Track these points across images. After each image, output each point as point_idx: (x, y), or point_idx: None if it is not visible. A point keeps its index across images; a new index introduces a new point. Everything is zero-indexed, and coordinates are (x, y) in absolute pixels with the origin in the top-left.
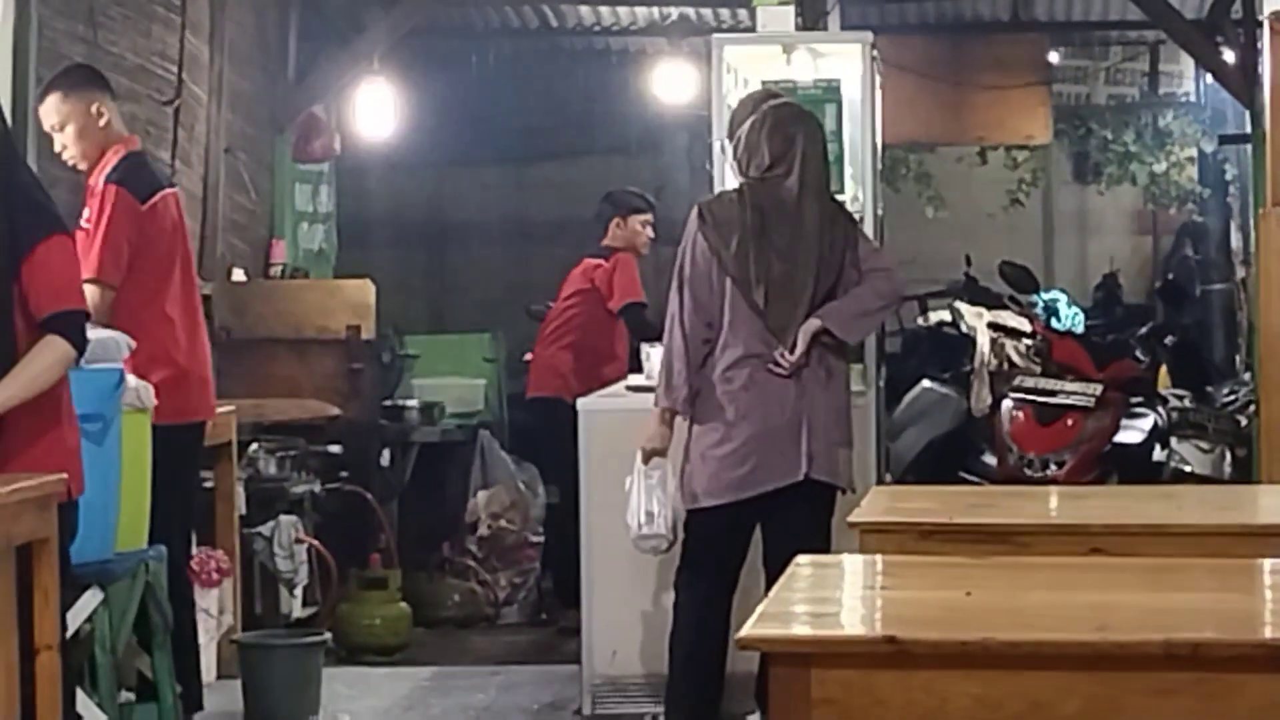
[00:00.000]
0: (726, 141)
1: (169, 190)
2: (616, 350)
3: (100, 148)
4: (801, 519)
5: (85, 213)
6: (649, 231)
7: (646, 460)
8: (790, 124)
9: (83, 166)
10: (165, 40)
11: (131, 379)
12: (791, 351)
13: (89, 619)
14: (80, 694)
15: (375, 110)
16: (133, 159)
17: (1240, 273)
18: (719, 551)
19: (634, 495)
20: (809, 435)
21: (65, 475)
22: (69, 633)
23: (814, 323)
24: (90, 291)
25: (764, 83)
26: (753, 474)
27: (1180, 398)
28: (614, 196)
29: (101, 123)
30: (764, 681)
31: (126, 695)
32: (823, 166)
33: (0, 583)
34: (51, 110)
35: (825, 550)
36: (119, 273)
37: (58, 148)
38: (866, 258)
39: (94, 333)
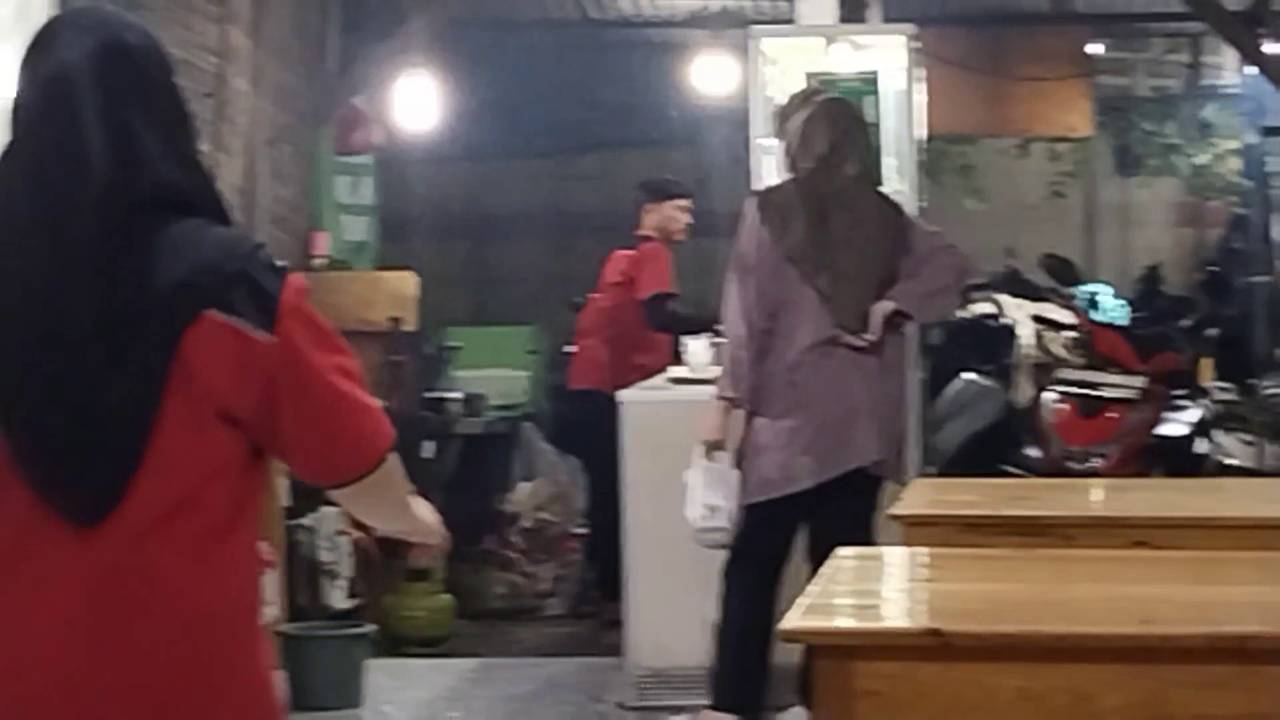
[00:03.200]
0: (777, 139)
1: None
2: (656, 341)
3: None
4: (849, 510)
5: None
6: (685, 217)
7: (708, 453)
8: (842, 116)
9: None
10: (206, 32)
11: None
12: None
13: None
14: None
15: (416, 102)
16: None
17: None
18: (769, 543)
19: (694, 488)
20: (869, 425)
21: None
22: None
23: (887, 304)
24: None
25: (807, 75)
26: (817, 463)
27: (1223, 390)
28: (647, 183)
29: None
30: (807, 674)
31: None
32: (872, 157)
33: None
34: None
35: (870, 542)
36: None
37: None
38: (925, 240)
39: None
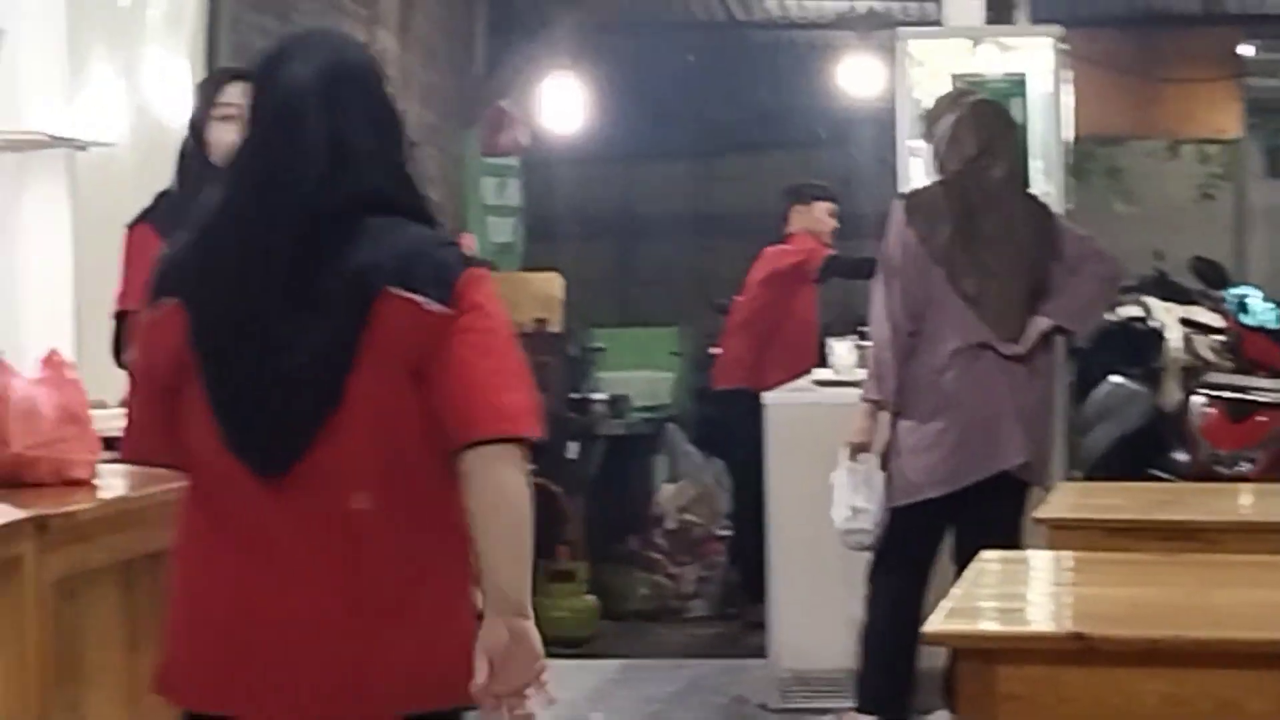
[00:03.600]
0: (924, 141)
1: None
2: (800, 342)
3: None
4: (998, 514)
5: None
6: (832, 221)
7: (853, 455)
8: (991, 117)
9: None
10: (354, 34)
11: None
12: (1015, 343)
13: None
14: None
15: (562, 104)
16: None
17: None
18: (915, 546)
19: (840, 490)
20: (1015, 429)
21: None
22: None
23: (1044, 321)
24: None
25: (953, 77)
26: (962, 466)
27: None
28: (795, 186)
29: None
30: (950, 677)
31: None
32: (1021, 160)
33: None
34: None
35: (1017, 546)
36: None
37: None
38: (1075, 244)
39: None
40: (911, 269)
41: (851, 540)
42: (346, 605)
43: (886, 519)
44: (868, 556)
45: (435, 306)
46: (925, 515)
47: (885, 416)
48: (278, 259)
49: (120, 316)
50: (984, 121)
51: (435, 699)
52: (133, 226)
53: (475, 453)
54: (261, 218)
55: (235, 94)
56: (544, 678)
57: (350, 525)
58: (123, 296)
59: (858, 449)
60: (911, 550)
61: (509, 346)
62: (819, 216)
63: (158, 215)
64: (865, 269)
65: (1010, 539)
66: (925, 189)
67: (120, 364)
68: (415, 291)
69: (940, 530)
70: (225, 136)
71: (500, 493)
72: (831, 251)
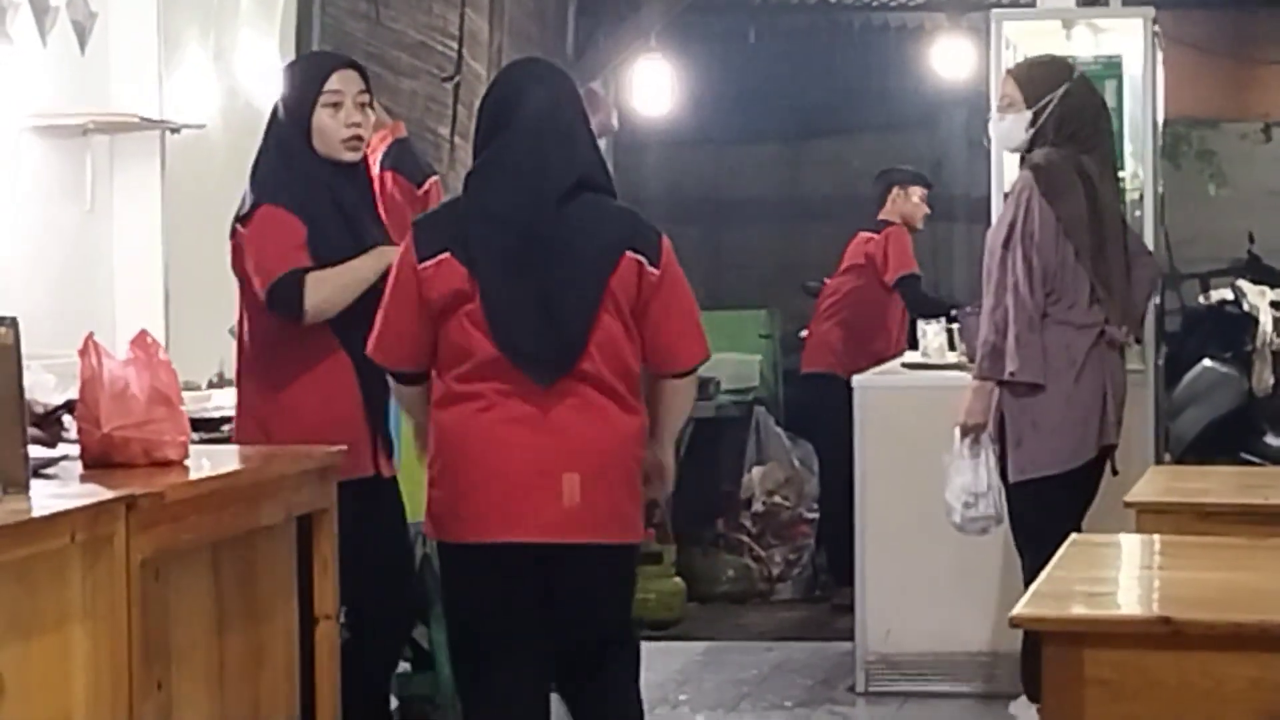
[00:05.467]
0: (1022, 107)
1: (435, 177)
2: (890, 325)
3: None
4: (1096, 490)
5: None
6: (925, 207)
7: (965, 436)
8: (1096, 92)
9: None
10: (446, 17)
11: None
12: (1119, 327)
13: None
14: None
15: (652, 87)
16: (402, 144)
17: None
18: (1067, 515)
19: (956, 474)
20: (1117, 411)
21: (345, 447)
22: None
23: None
24: None
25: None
26: (1094, 438)
27: None
28: (892, 171)
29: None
30: (1031, 662)
31: (403, 666)
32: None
33: (281, 553)
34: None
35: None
36: None
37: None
38: (1133, 238)
39: None
40: (1049, 245)
41: (975, 527)
42: (580, 458)
43: (1023, 493)
44: (967, 539)
45: (651, 269)
46: (1074, 483)
47: (992, 391)
48: (539, 224)
49: (291, 276)
50: (1095, 95)
51: (621, 532)
52: (258, 206)
53: (675, 381)
54: (522, 190)
55: (337, 81)
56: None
57: (592, 410)
58: (283, 259)
59: (972, 429)
60: (1066, 522)
61: (689, 298)
62: (915, 202)
63: (282, 196)
64: (937, 311)
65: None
66: (1053, 162)
67: (297, 313)
68: (642, 255)
69: (1082, 502)
70: (329, 122)
71: (689, 400)
72: (913, 269)
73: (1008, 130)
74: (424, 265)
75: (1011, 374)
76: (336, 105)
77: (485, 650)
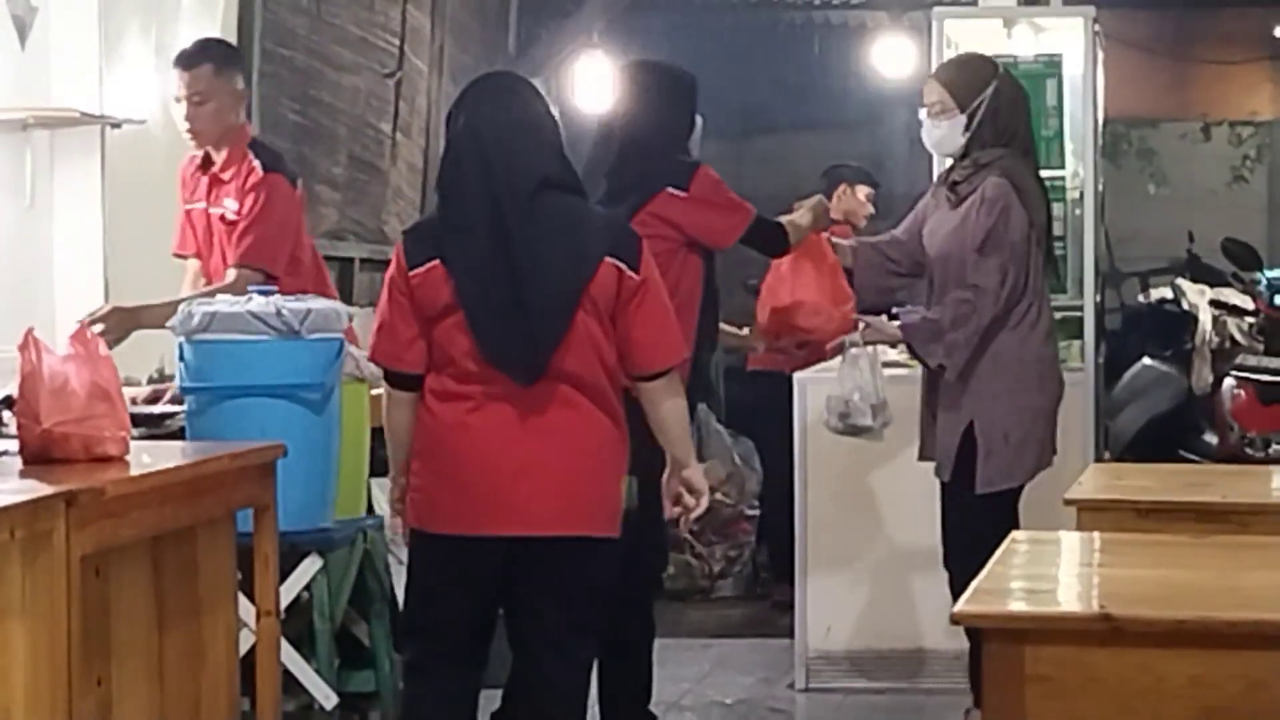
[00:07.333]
0: (956, 111)
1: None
2: None
3: (226, 130)
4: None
5: (229, 204)
6: (870, 206)
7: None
8: (1022, 89)
9: (199, 146)
10: (387, 13)
11: (352, 349)
12: None
13: (308, 587)
14: (299, 660)
15: (594, 83)
16: (265, 145)
17: None
18: (1014, 526)
19: (847, 380)
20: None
21: (283, 442)
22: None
23: None
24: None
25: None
26: (1053, 442)
27: None
28: (838, 168)
29: (240, 105)
30: (975, 660)
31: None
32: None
33: (222, 548)
34: (201, 80)
35: None
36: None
37: (184, 119)
38: None
39: (316, 302)
40: (1024, 254)
41: (850, 429)
42: (562, 454)
43: (977, 504)
44: (906, 537)
45: (631, 273)
46: (1015, 498)
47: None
48: (510, 226)
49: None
50: (1020, 88)
51: (598, 526)
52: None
53: (654, 382)
54: (490, 196)
55: None
56: (703, 503)
57: (573, 410)
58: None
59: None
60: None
61: (666, 300)
62: (860, 200)
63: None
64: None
65: None
66: (1021, 170)
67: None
68: (622, 260)
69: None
70: None
71: (681, 403)
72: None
73: (943, 135)
74: (414, 272)
75: (940, 366)
76: None
77: (433, 642)
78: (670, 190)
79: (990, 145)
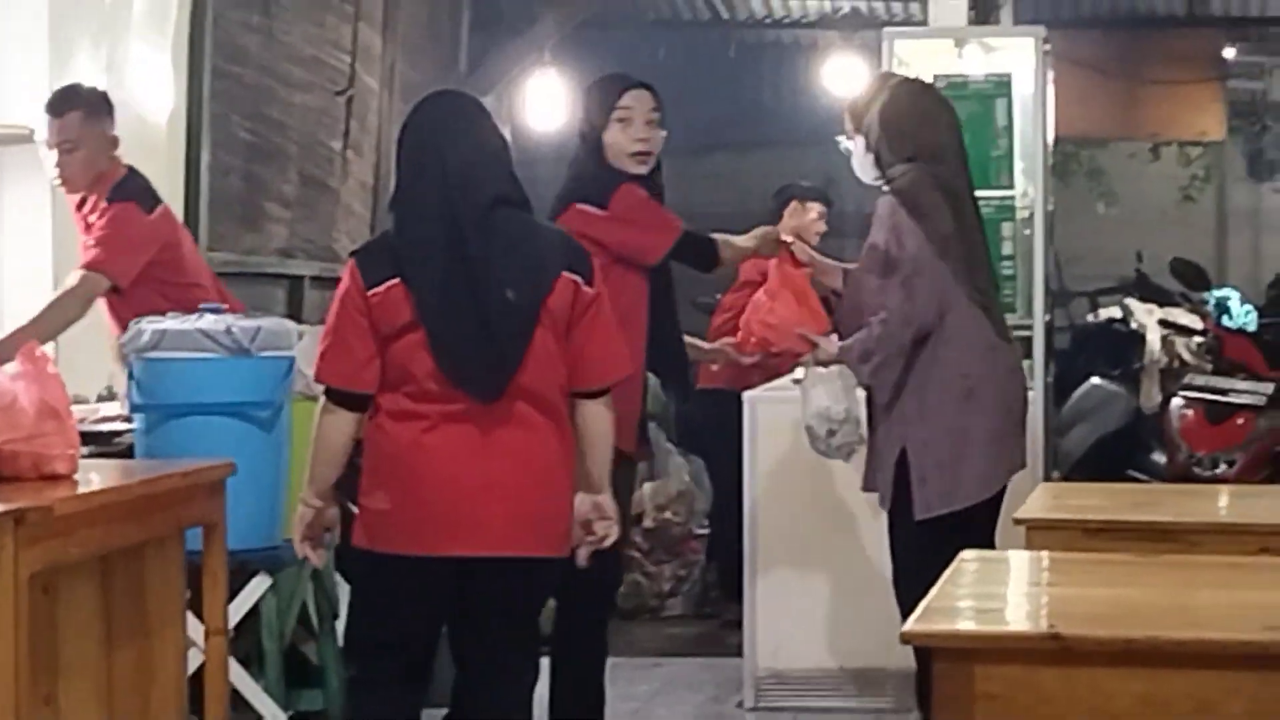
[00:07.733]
0: (856, 134)
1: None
2: None
3: (98, 176)
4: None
5: (88, 241)
6: (822, 224)
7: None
8: (925, 100)
9: (69, 193)
10: (339, 30)
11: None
12: (1009, 343)
13: (256, 605)
14: (247, 679)
15: (546, 101)
16: (134, 173)
17: None
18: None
19: (816, 398)
20: (1023, 436)
21: (233, 460)
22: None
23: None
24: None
25: (936, 77)
26: (1000, 468)
27: None
28: (790, 187)
29: (111, 150)
30: (922, 679)
31: None
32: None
33: (171, 566)
34: (71, 128)
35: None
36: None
37: (53, 165)
38: None
39: (266, 320)
40: (928, 269)
41: (843, 452)
42: (520, 473)
43: (919, 531)
44: (857, 555)
45: (586, 288)
46: (968, 520)
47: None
48: (467, 242)
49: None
50: (920, 99)
51: (553, 546)
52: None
53: (595, 400)
54: (445, 216)
55: (630, 99)
56: (612, 531)
57: (529, 428)
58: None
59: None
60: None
61: (612, 316)
62: (811, 218)
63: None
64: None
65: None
66: (913, 181)
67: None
68: (578, 275)
69: (978, 533)
70: (620, 138)
71: (609, 427)
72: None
73: (859, 163)
74: (373, 291)
75: (865, 385)
76: (625, 120)
77: (380, 660)
78: (581, 206)
79: (896, 160)
